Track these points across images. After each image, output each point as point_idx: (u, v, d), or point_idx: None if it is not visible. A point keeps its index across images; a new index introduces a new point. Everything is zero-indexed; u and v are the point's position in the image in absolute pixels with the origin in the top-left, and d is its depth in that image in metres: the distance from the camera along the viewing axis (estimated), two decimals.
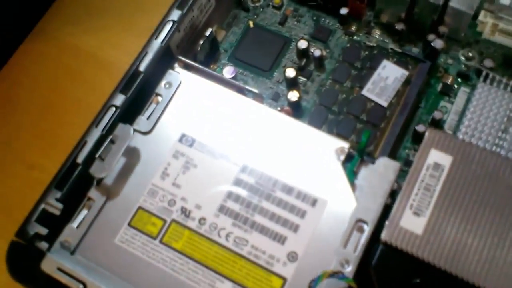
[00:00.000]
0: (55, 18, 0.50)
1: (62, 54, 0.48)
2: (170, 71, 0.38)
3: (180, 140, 0.35)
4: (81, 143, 0.35)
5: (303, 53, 0.42)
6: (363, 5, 0.43)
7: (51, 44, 0.49)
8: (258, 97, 0.37)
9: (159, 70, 0.38)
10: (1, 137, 0.46)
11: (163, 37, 0.38)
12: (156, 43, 0.38)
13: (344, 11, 0.42)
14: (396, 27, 0.41)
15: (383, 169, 0.33)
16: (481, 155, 0.32)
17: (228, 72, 0.41)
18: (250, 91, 0.37)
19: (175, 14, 0.39)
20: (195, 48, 0.42)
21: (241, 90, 0.37)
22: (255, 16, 0.45)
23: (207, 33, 0.42)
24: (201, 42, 0.42)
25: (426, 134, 0.33)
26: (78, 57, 0.48)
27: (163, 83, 0.37)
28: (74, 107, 0.46)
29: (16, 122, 0.46)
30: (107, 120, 0.36)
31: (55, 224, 0.34)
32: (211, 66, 0.43)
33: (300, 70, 0.42)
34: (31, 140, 0.45)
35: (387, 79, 0.40)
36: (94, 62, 0.48)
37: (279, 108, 0.41)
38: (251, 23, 0.45)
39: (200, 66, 0.38)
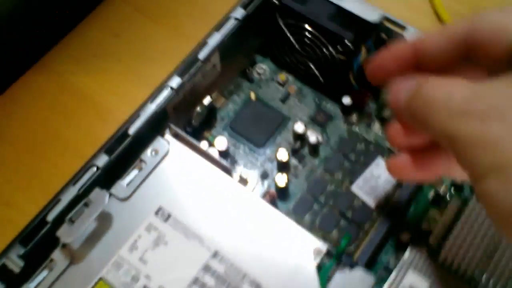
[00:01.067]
0: (60, 54, 0.50)
1: (60, 92, 0.48)
2: (159, 138, 0.37)
3: (156, 213, 0.34)
4: (54, 200, 0.34)
5: (299, 136, 0.41)
6: (367, 98, 0.42)
7: (51, 80, 0.49)
8: (243, 181, 0.36)
9: (149, 130, 0.38)
10: None
11: (158, 102, 0.38)
12: (150, 108, 0.38)
13: (346, 100, 0.42)
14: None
15: (357, 282, 0.32)
16: (457, 285, 0.30)
17: (220, 143, 0.41)
18: (238, 175, 0.36)
19: (175, 81, 0.39)
20: (192, 112, 0.42)
21: (227, 170, 0.36)
22: (258, 88, 0.45)
23: (206, 102, 0.41)
24: (198, 109, 0.41)
25: (406, 253, 0.31)
26: (76, 98, 0.48)
27: (149, 150, 0.36)
28: (62, 148, 0.45)
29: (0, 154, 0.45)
30: (86, 180, 0.35)
31: (13, 281, 0.33)
32: (205, 133, 0.42)
33: (293, 152, 0.41)
34: (12, 175, 0.44)
35: (378, 178, 0.39)
36: (91, 106, 0.47)
37: (265, 188, 0.40)
38: (252, 95, 0.44)
39: (190, 139, 0.37)
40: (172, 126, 0.38)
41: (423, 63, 0.28)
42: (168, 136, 0.37)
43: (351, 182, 0.39)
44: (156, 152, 0.36)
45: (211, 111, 0.43)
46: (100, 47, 0.50)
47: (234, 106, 0.44)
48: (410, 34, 0.40)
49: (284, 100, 0.44)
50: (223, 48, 0.41)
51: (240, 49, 0.46)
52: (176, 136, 0.38)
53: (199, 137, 0.42)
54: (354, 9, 0.40)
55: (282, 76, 0.45)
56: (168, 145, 0.37)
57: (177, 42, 0.50)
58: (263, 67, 0.45)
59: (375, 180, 0.39)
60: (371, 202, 0.38)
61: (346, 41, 0.39)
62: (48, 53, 0.50)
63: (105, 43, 0.51)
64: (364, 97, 0.42)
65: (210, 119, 0.43)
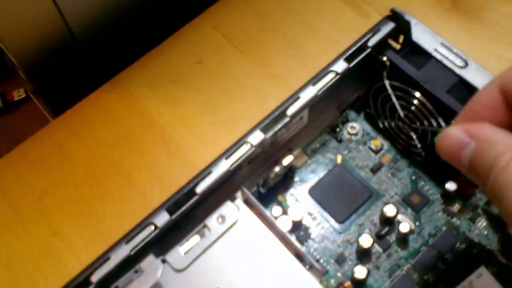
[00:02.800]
0: (136, 74, 0.46)
1: (130, 117, 0.44)
2: (228, 203, 0.32)
3: None
4: (103, 258, 0.30)
5: (387, 220, 0.35)
6: (476, 188, 0.36)
7: (123, 102, 0.45)
8: (318, 272, 0.31)
9: (218, 186, 0.33)
10: (38, 187, 0.42)
11: (234, 159, 0.33)
12: (225, 164, 0.33)
13: (451, 186, 0.35)
14: (509, 230, 0.34)
15: None
16: None
17: (295, 212, 0.35)
18: (310, 262, 0.31)
19: (257, 137, 0.34)
20: (268, 170, 0.36)
21: (300, 257, 0.31)
22: (346, 151, 0.39)
23: (286, 162, 0.36)
24: (277, 169, 0.36)
25: None
26: (145, 125, 0.44)
27: (216, 215, 0.32)
28: (122, 180, 0.41)
29: (57, 176, 0.42)
30: (141, 239, 0.31)
31: None
32: (279, 196, 0.37)
33: (377, 236, 0.35)
34: (64, 201, 0.41)
35: None
36: (160, 137, 0.43)
37: (339, 276, 0.34)
38: (339, 158, 0.39)
39: (263, 209, 0.32)
40: (245, 189, 0.33)
41: None
42: (239, 201, 0.32)
43: None
44: (223, 219, 0.32)
45: (290, 170, 0.38)
46: (179, 73, 0.46)
47: (316, 167, 0.38)
48: None
49: (375, 170, 0.38)
50: (315, 101, 0.36)
51: (332, 102, 0.40)
52: (247, 202, 0.33)
53: (273, 200, 0.37)
54: (479, 83, 0.34)
55: (377, 141, 0.39)
56: (238, 212, 0.32)
57: (265, 82, 0.45)
58: (355, 127, 0.40)
59: None
60: None
61: None
62: (124, 71, 0.47)
63: (186, 69, 0.46)
64: (473, 186, 0.36)
65: (287, 178, 0.38)
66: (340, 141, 0.39)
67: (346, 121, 0.40)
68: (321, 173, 0.38)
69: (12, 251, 0.39)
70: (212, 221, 0.32)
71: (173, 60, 0.47)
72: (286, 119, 0.34)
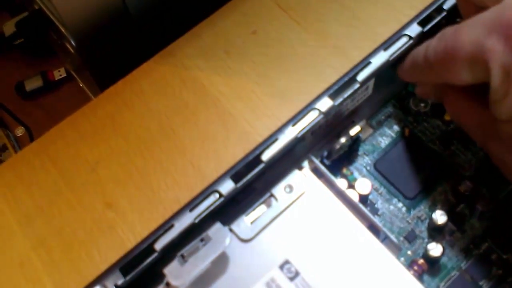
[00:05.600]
0: (189, 45, 0.45)
1: (183, 88, 0.43)
2: (296, 172, 0.30)
3: (281, 267, 0.28)
4: (166, 225, 0.29)
5: (462, 197, 0.33)
6: None
7: (176, 72, 0.44)
8: (394, 247, 0.29)
9: (282, 158, 0.31)
10: (90, 158, 0.41)
11: (301, 128, 0.31)
12: (291, 132, 0.31)
13: None
14: None
15: None
16: None
17: (363, 186, 0.33)
18: (386, 235, 0.29)
19: (325, 103, 0.32)
20: (332, 142, 0.35)
21: (375, 229, 0.29)
22: (415, 124, 0.37)
23: (353, 132, 0.34)
24: (343, 139, 0.34)
25: None
26: (199, 98, 0.42)
27: (283, 184, 0.30)
28: (176, 153, 0.40)
29: (110, 147, 0.41)
30: (206, 207, 0.29)
31: None
32: (343, 170, 0.35)
33: (452, 213, 0.33)
34: (118, 173, 0.40)
35: None
36: (215, 110, 0.41)
37: (410, 255, 0.32)
38: (406, 131, 0.36)
39: (333, 179, 0.30)
40: (313, 158, 0.31)
41: None
42: (306, 170, 0.31)
43: None
44: (291, 188, 0.30)
45: (355, 142, 0.36)
46: (233, 44, 0.44)
47: (382, 140, 0.36)
48: None
49: (446, 144, 0.36)
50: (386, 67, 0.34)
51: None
52: (314, 172, 0.31)
53: (336, 173, 0.35)
54: None
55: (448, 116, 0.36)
56: (306, 182, 0.30)
57: (323, 52, 0.43)
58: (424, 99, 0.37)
59: None
60: None
61: None
62: (176, 41, 0.45)
63: (240, 39, 0.44)
64: None
65: (351, 152, 0.36)
66: (407, 112, 0.37)
67: (414, 92, 0.38)
68: (387, 146, 0.36)
69: (65, 221, 0.38)
70: (279, 190, 0.30)
71: (226, 31, 0.45)
72: (356, 85, 0.32)
